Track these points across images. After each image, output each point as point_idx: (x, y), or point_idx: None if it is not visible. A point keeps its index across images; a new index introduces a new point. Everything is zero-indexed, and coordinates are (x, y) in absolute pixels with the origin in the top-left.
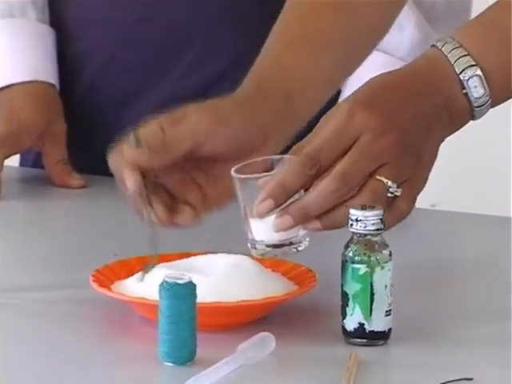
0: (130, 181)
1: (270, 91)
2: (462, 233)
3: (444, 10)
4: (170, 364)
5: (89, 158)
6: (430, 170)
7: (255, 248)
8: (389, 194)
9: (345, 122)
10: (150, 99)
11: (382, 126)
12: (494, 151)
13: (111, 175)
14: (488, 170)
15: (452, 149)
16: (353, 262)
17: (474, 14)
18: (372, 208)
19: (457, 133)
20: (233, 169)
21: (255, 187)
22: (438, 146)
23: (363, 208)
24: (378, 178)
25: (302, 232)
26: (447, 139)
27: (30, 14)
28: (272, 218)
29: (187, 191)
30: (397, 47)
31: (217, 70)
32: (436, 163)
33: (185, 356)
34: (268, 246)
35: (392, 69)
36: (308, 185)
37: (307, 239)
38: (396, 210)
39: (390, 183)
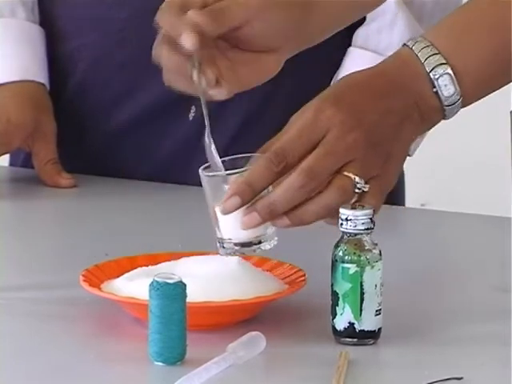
0: (192, 41)
1: (290, 3)
2: (452, 232)
3: (433, 8)
4: (161, 364)
5: (79, 158)
6: (400, 167)
7: (223, 247)
8: (356, 190)
9: (312, 118)
10: (140, 98)
11: (350, 122)
12: (483, 151)
13: (101, 174)
14: (478, 170)
15: (441, 149)
16: (343, 262)
17: None
18: (362, 207)
19: (446, 133)
20: (201, 168)
21: (223, 185)
22: (409, 144)
23: (353, 207)
24: (345, 173)
25: (270, 230)
26: (437, 138)
27: (20, 14)
28: (239, 215)
29: (221, 67)
30: (387, 47)
31: None
32: (425, 163)
33: (175, 356)
34: (236, 244)
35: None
36: (275, 181)
37: (275, 238)
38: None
39: (357, 179)
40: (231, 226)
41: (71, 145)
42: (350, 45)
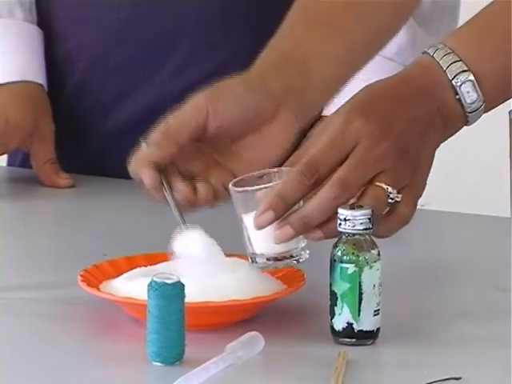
0: (146, 178)
1: (284, 63)
2: (451, 232)
3: (431, 9)
4: (159, 364)
5: (77, 158)
6: (427, 175)
7: (255, 261)
8: (389, 200)
9: (341, 130)
10: (138, 99)
11: (379, 132)
12: (482, 151)
13: (99, 174)
14: (477, 170)
15: (440, 149)
16: (341, 262)
17: (461, 14)
18: (360, 207)
19: None
20: (231, 182)
21: (254, 200)
22: (434, 152)
23: (352, 207)
24: (377, 184)
25: (302, 244)
26: None
27: (18, 15)
28: (271, 230)
29: (211, 173)
30: (386, 48)
31: (205, 69)
32: None
33: (173, 356)
34: (268, 259)
35: (380, 68)
36: (307, 194)
37: (307, 251)
38: (399, 215)
39: (390, 189)
40: (263, 240)
41: (69, 145)
42: None
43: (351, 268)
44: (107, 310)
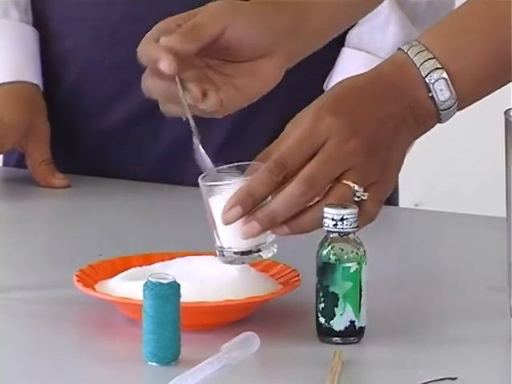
0: (168, 63)
1: (282, 7)
2: (445, 232)
3: (427, 9)
4: (155, 364)
5: (73, 158)
6: (397, 173)
7: (223, 255)
8: (355, 198)
9: (311, 126)
10: (133, 99)
11: (348, 130)
12: (477, 151)
13: (95, 175)
14: (472, 170)
15: (435, 149)
16: (341, 262)
17: None
18: (348, 206)
19: (440, 132)
20: (200, 176)
21: (222, 194)
22: (406, 149)
23: (343, 206)
24: (344, 182)
25: (270, 238)
26: (431, 138)
27: (13, 15)
28: (239, 224)
29: (204, 86)
30: (381, 47)
31: None
32: (419, 163)
33: (169, 356)
34: (236, 252)
35: (373, 66)
36: (275, 191)
37: (275, 245)
38: (363, 212)
39: (356, 187)
40: (231, 234)
41: (65, 145)
42: (343, 45)
43: (353, 266)
44: (103, 310)
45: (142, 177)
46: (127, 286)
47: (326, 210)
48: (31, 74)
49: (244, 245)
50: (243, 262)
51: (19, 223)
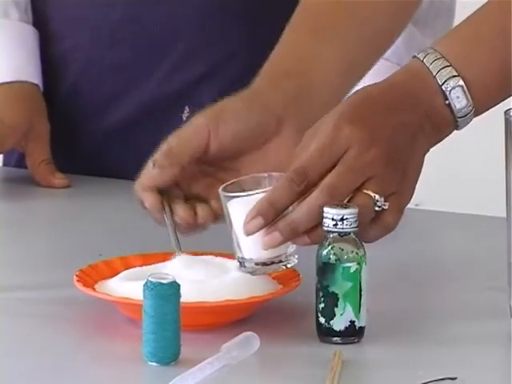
0: (148, 201)
1: (285, 79)
2: (446, 232)
3: (427, 10)
4: (155, 364)
5: (73, 158)
6: (416, 182)
7: (244, 266)
8: (376, 208)
9: (331, 136)
10: (134, 99)
11: (368, 139)
12: (478, 151)
13: (95, 175)
14: (472, 170)
15: (435, 149)
16: (342, 262)
17: (457, 14)
18: (347, 205)
19: None
20: (221, 187)
21: (243, 205)
22: (423, 158)
23: (343, 206)
24: (365, 191)
25: (290, 249)
26: None
27: (13, 15)
28: (261, 235)
29: (215, 193)
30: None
31: (202, 69)
32: None
33: (169, 356)
34: (257, 263)
35: (375, 69)
36: (296, 201)
37: (296, 256)
38: (383, 222)
39: (377, 197)
40: (252, 245)
41: (65, 145)
42: None
43: (353, 266)
44: (103, 310)
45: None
46: (127, 286)
47: (326, 209)
48: (31, 73)
49: (265, 255)
50: (264, 273)
51: (19, 223)
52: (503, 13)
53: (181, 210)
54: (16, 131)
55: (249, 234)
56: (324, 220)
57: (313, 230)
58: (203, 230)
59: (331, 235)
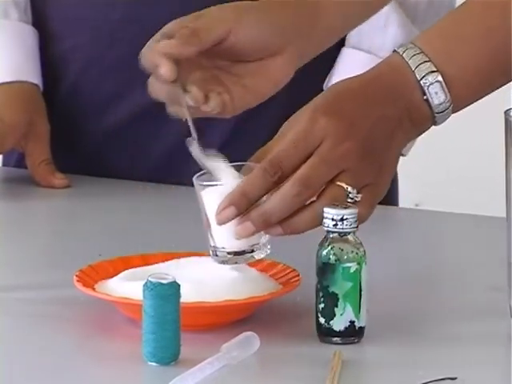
0: (166, 69)
1: (291, 5)
2: (446, 232)
3: (427, 9)
4: (154, 364)
5: (73, 158)
6: (391, 176)
7: (216, 255)
8: (349, 200)
9: (306, 128)
10: (133, 99)
11: (343, 132)
12: (477, 151)
13: (95, 175)
14: (471, 170)
15: (435, 149)
16: (342, 262)
17: None
18: (347, 206)
19: (440, 133)
20: (195, 176)
21: (217, 194)
22: (400, 152)
23: (343, 207)
24: (338, 183)
25: (263, 239)
26: (431, 138)
27: (13, 15)
28: (233, 224)
29: (212, 87)
30: (380, 47)
31: None
32: (419, 163)
33: (169, 356)
34: (229, 253)
35: (371, 66)
36: (270, 191)
37: (269, 246)
38: None
39: (350, 189)
40: (225, 234)
41: (65, 145)
42: (343, 45)
43: (353, 266)
44: (103, 310)
45: (141, 177)
46: (127, 286)
47: (326, 210)
48: (31, 73)
49: (238, 245)
50: (236, 262)
51: (19, 223)
52: (485, 9)
53: (194, 88)
54: (16, 131)
55: (221, 223)
56: (324, 220)
57: (286, 220)
58: (215, 114)
59: (331, 235)
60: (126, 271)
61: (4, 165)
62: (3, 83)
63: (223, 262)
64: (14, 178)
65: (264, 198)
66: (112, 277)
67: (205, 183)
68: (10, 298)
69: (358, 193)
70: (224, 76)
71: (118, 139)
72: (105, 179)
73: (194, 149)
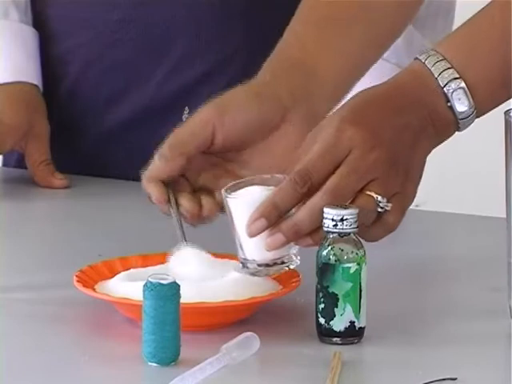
0: (154, 194)
1: (292, 69)
2: (446, 232)
3: (427, 10)
4: (155, 364)
5: (72, 158)
6: (418, 183)
7: (247, 267)
8: (379, 209)
9: (334, 138)
10: (133, 99)
11: (370, 141)
12: (478, 151)
13: (94, 175)
14: (473, 171)
15: (437, 149)
16: (341, 262)
17: (456, 15)
18: (347, 206)
19: None
20: (224, 188)
21: (246, 206)
22: (425, 159)
23: (343, 207)
24: (367, 193)
25: (293, 250)
26: None
27: (13, 15)
28: (263, 236)
29: (222, 183)
30: None
31: (201, 70)
32: None
33: (169, 356)
34: (260, 265)
35: (376, 69)
36: (300, 202)
37: (298, 257)
38: (385, 223)
39: (380, 198)
40: (255, 246)
41: (65, 145)
42: None
43: (353, 267)
44: (103, 311)
45: (141, 177)
46: (127, 287)
47: (326, 210)
48: (31, 74)
49: (268, 257)
50: (267, 274)
51: (19, 223)
52: (505, 15)
53: (186, 202)
54: (15, 131)
55: (252, 235)
56: (324, 220)
57: (315, 231)
58: (209, 222)
59: (331, 236)
60: (126, 271)
61: (4, 165)
62: (3, 84)
63: (253, 274)
64: (13, 179)
65: (293, 209)
66: (112, 277)
67: (233, 195)
68: (10, 298)
69: (387, 202)
70: (234, 167)
71: (117, 139)
72: (105, 179)
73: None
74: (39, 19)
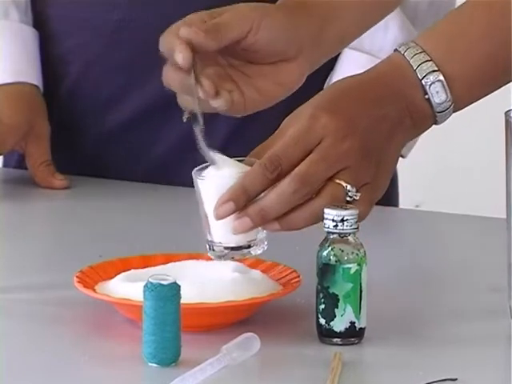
0: (183, 56)
1: (307, 13)
2: (446, 233)
3: (427, 10)
4: (155, 365)
5: (73, 159)
6: (390, 175)
7: (213, 249)
8: (347, 198)
9: (307, 126)
10: (134, 100)
11: (344, 130)
12: (477, 152)
13: (95, 176)
14: (472, 171)
15: (435, 149)
16: (342, 263)
17: None
18: (347, 207)
19: (440, 133)
20: (194, 169)
21: (215, 188)
22: (400, 151)
23: (344, 208)
24: (337, 181)
25: (261, 235)
26: (431, 139)
27: (13, 16)
28: (231, 220)
29: (224, 85)
30: (380, 48)
31: None
32: (420, 164)
33: (169, 357)
34: (226, 248)
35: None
36: (268, 187)
37: (266, 242)
38: None
39: (349, 187)
40: (222, 229)
41: (65, 146)
42: None
43: (354, 267)
44: (103, 311)
45: (141, 178)
46: (127, 287)
47: (327, 211)
48: (31, 74)
49: (235, 240)
50: (233, 258)
51: (19, 224)
52: (486, 8)
53: (206, 81)
54: (16, 132)
55: (219, 218)
56: (324, 221)
57: (283, 216)
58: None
59: (331, 236)
60: (127, 272)
61: (4, 166)
62: (3, 84)
63: (219, 257)
64: (14, 179)
65: (262, 194)
66: (112, 278)
67: (204, 176)
68: (10, 298)
69: (356, 191)
70: (237, 75)
71: (118, 140)
72: (105, 180)
73: (200, 140)
74: (39, 19)
